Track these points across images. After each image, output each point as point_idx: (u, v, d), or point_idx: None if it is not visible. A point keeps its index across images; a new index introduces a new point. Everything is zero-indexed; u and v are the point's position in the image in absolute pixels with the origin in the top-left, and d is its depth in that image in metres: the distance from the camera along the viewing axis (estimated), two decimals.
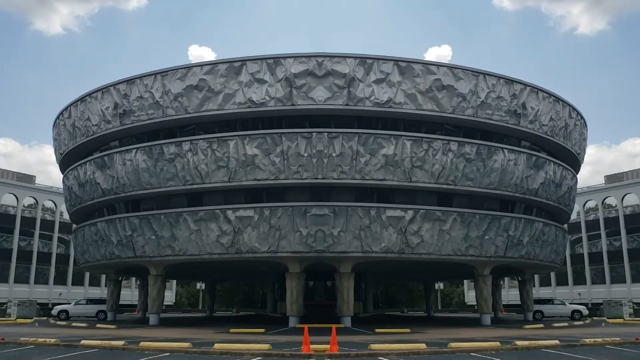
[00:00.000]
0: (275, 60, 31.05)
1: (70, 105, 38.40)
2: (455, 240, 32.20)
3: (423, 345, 19.57)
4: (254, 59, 31.29)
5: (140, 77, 33.64)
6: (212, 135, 31.67)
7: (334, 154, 30.47)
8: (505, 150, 33.47)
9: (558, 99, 36.92)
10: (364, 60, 31.10)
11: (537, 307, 44.44)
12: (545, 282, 71.95)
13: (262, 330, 29.86)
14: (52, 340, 21.42)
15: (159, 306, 37.02)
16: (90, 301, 46.25)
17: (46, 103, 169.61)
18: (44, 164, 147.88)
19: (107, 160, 35.19)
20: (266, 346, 18.81)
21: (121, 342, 20.35)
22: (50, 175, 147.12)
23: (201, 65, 32.25)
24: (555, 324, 35.51)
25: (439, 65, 32.45)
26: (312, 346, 18.34)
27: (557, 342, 21.31)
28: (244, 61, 31.35)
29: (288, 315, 33.42)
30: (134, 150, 33.71)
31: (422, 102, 31.45)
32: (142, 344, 20.06)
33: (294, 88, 30.66)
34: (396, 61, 31.44)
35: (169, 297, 75.86)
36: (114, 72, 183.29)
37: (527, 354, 18.99)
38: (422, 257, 31.85)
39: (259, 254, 31.33)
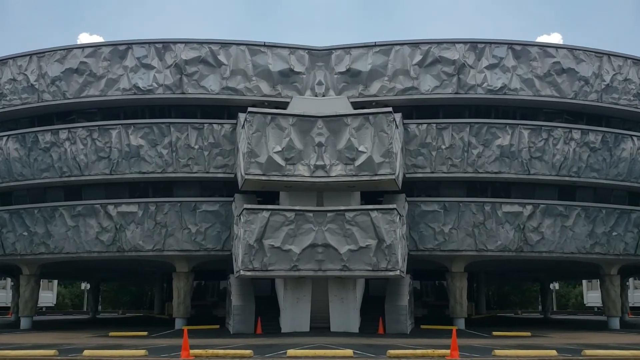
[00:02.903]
0: (165, 45, 29.25)
1: None
2: (579, 237, 30.54)
3: (554, 352, 17.89)
4: (141, 43, 29.35)
5: (14, 57, 30.92)
6: (93, 123, 29.51)
7: (443, 146, 28.96)
8: (635, 138, 31.70)
9: None
10: (474, 45, 29.54)
11: None
12: None
13: (145, 333, 28.02)
14: None
15: (32, 308, 34.33)
16: None
17: None
18: None
19: None
20: (142, 352, 17.18)
21: None
22: None
23: (82, 47, 30.07)
24: None
25: (557, 47, 30.90)
26: (192, 351, 16.87)
27: None
28: (129, 44, 29.33)
29: (174, 317, 31.67)
30: (4, 138, 30.89)
31: (540, 88, 29.83)
32: (0, 352, 17.82)
33: (184, 75, 28.96)
34: (510, 44, 29.84)
35: (50, 298, 70.96)
36: None
37: None
38: (542, 255, 30.36)
39: (143, 252, 29.54)
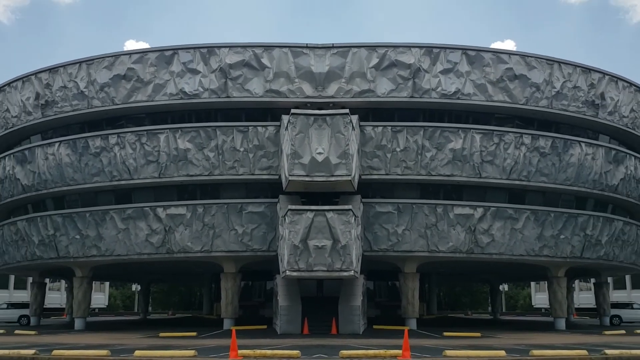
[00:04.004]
0: (209, 50, 29.56)
1: None
2: (528, 239, 30.73)
3: (502, 353, 18.10)
4: (186, 48, 29.72)
5: (64, 65, 31.60)
6: (141, 128, 30.02)
7: (397, 149, 29.22)
8: (583, 144, 31.82)
9: None
10: (430, 50, 29.77)
11: (614, 311, 41.53)
12: (619, 285, 65.90)
13: (194, 333, 28.47)
14: None
15: (85, 310, 35.14)
16: (12, 305, 43.46)
17: None
18: None
19: (27, 154, 32.96)
20: (191, 352, 17.42)
21: (32, 351, 18.51)
22: None
23: (129, 53, 30.55)
24: (639, 331, 31.80)
25: (510, 53, 31.15)
26: (240, 351, 17.04)
27: None
28: (175, 50, 29.73)
29: (222, 318, 32.06)
30: (56, 144, 31.66)
31: (493, 93, 30.04)
32: (55, 352, 18.31)
33: (229, 79, 29.26)
34: (464, 50, 30.05)
35: (102, 299, 72.85)
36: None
37: None
38: (492, 257, 30.57)
39: (191, 253, 29.93)
